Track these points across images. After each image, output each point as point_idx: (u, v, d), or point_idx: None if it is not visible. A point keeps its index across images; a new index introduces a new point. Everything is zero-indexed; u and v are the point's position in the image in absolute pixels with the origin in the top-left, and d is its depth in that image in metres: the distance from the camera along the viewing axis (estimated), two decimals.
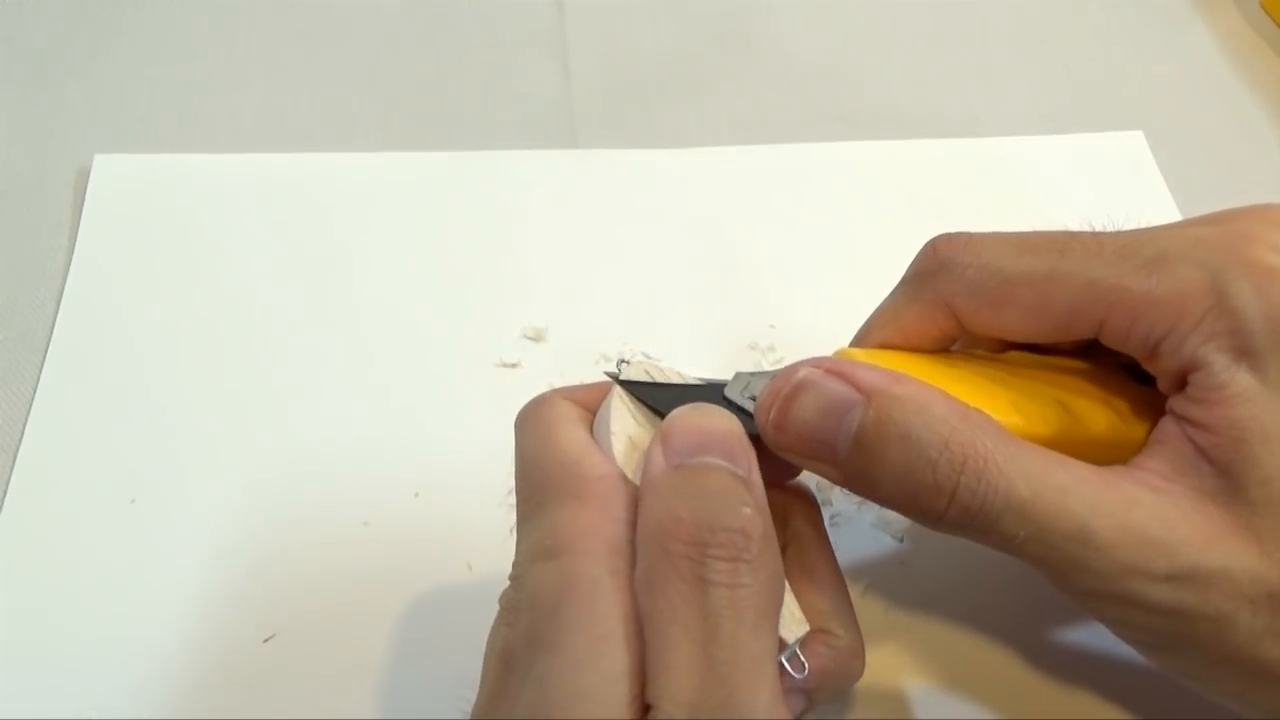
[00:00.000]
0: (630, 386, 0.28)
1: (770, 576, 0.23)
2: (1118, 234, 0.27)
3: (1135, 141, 0.50)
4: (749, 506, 0.23)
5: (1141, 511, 0.24)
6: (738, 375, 0.28)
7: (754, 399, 0.27)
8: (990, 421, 0.25)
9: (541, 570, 0.24)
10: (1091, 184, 0.48)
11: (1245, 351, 0.25)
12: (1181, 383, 0.26)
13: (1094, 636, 0.34)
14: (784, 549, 0.28)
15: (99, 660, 0.33)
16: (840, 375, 0.25)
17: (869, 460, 0.25)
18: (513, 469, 0.28)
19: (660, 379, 0.28)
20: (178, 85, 0.50)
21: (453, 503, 0.37)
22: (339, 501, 0.37)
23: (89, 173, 0.45)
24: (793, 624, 0.26)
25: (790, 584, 0.27)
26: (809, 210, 0.46)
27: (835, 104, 0.51)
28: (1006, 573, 0.36)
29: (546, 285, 0.43)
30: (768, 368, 0.40)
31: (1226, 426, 0.25)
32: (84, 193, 0.45)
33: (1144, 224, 0.29)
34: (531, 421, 0.27)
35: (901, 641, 0.34)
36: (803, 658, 0.26)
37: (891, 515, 0.37)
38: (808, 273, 0.44)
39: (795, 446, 0.26)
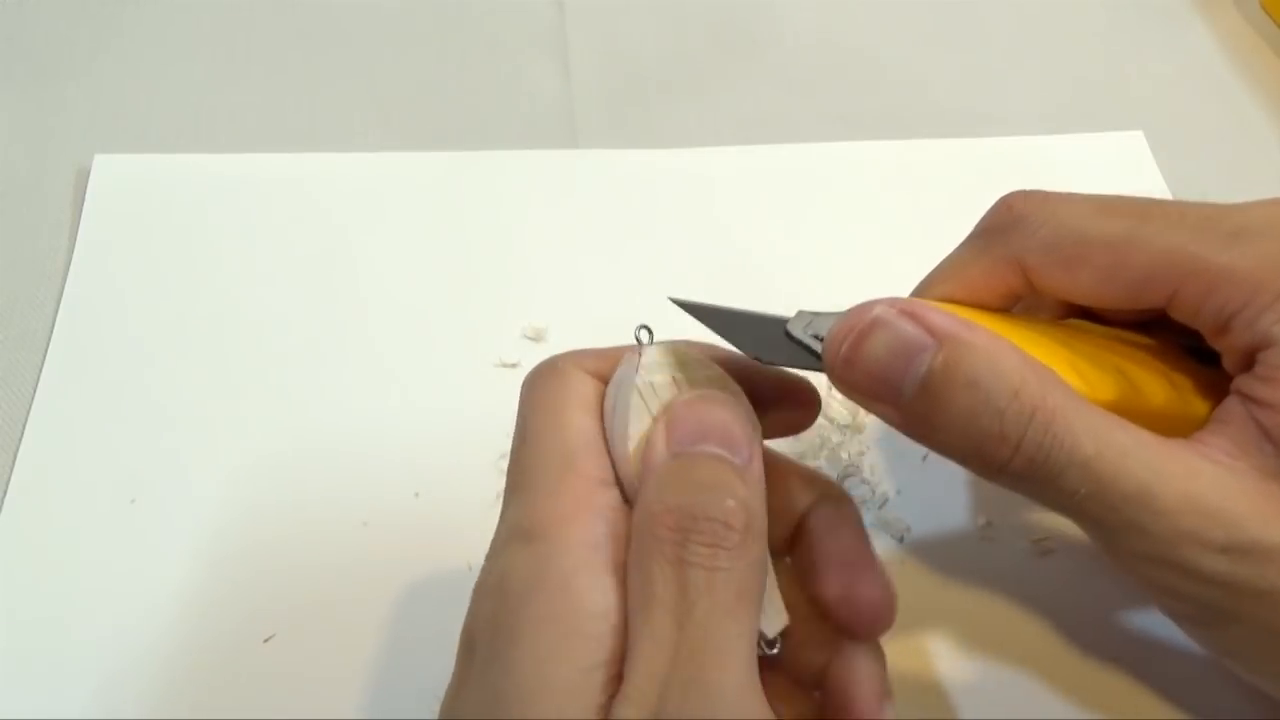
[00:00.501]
0: (688, 308, 0.27)
1: (750, 564, 0.23)
2: (1200, 205, 0.27)
3: (1135, 141, 0.50)
4: (734, 499, 0.23)
5: (1203, 481, 0.24)
6: (800, 313, 0.28)
7: (816, 337, 0.27)
8: (1057, 378, 0.25)
9: (514, 553, 0.24)
10: (1091, 184, 0.47)
11: None
12: (1249, 361, 0.26)
13: (1097, 639, 0.34)
14: (801, 526, 0.28)
15: (99, 660, 0.33)
16: (913, 317, 0.25)
17: (934, 405, 0.25)
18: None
19: (687, 360, 0.27)
20: (178, 85, 0.50)
21: (453, 503, 0.37)
22: (339, 501, 0.37)
23: (89, 173, 0.45)
24: (774, 617, 0.26)
25: (814, 548, 0.27)
26: (810, 210, 0.46)
27: (836, 104, 0.51)
28: (1008, 574, 0.36)
29: (546, 285, 0.43)
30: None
31: None
32: (84, 193, 0.45)
33: None
34: (540, 394, 0.27)
35: (901, 642, 0.34)
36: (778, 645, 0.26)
37: (891, 515, 0.37)
38: (808, 273, 0.44)
39: (862, 384, 0.26)
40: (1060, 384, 0.25)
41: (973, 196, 0.48)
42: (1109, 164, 0.49)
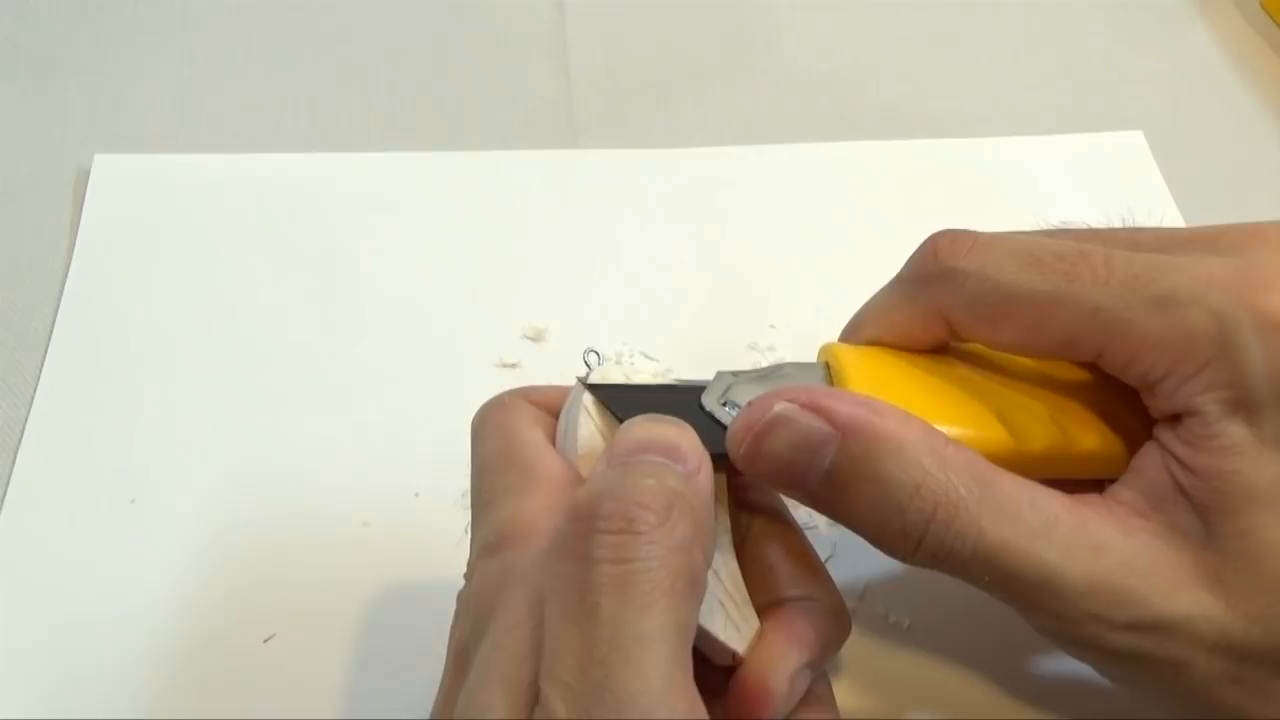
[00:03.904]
0: (598, 391, 0.27)
1: (672, 550, 0.22)
2: (1130, 260, 0.26)
3: (1135, 141, 0.50)
4: (654, 479, 0.22)
5: (1110, 560, 0.24)
6: (719, 376, 0.27)
7: (730, 406, 0.27)
8: (967, 458, 0.25)
9: (486, 565, 0.25)
10: (1091, 184, 0.48)
11: (1243, 405, 0.24)
12: (1174, 418, 0.26)
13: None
14: (746, 530, 0.28)
15: (99, 660, 0.33)
16: (816, 409, 0.25)
17: (840, 495, 0.25)
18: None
19: (636, 379, 0.27)
20: (178, 85, 0.50)
21: (453, 503, 0.37)
22: (339, 501, 0.37)
23: (89, 173, 0.45)
24: (738, 632, 0.25)
25: (760, 555, 0.27)
26: (809, 210, 0.46)
27: (835, 104, 0.51)
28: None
29: (546, 285, 0.43)
30: (764, 364, 0.40)
31: (1212, 475, 0.24)
32: (84, 193, 0.45)
33: (1148, 222, 0.28)
34: (490, 425, 0.28)
35: (902, 642, 0.34)
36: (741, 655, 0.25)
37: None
38: (808, 273, 0.44)
39: (767, 475, 0.26)
40: (969, 467, 0.25)
41: (973, 197, 0.48)
42: (1109, 164, 0.49)
